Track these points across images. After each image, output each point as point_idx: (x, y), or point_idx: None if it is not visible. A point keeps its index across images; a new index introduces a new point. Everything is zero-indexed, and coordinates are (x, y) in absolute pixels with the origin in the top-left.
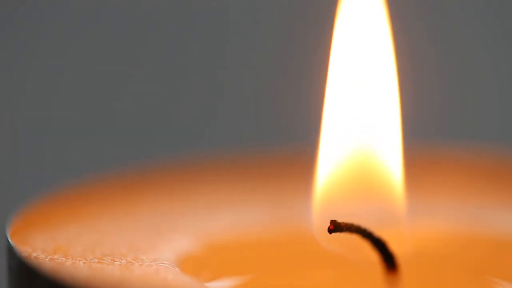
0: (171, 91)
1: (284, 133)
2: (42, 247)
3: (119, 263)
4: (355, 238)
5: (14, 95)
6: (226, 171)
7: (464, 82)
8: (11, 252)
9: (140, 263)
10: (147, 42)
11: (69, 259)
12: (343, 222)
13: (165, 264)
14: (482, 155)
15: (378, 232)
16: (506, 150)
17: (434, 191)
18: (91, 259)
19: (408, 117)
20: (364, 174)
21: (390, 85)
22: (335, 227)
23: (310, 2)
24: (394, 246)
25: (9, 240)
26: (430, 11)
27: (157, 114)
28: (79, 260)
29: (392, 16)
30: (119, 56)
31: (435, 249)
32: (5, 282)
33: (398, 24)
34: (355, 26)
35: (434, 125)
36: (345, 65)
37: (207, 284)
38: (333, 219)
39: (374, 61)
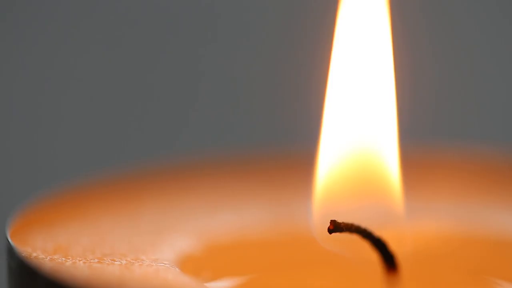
0: (171, 91)
1: (284, 133)
2: (42, 247)
3: (119, 263)
4: (355, 238)
5: (14, 94)
6: (226, 172)
7: (463, 83)
8: (11, 252)
9: (140, 263)
10: (147, 41)
11: (69, 259)
12: (343, 222)
13: (165, 264)
14: (481, 155)
15: (378, 232)
16: (506, 150)
17: (434, 191)
18: (91, 259)
19: (407, 117)
20: (364, 175)
21: (389, 86)
22: (335, 227)
23: (312, 1)
24: (394, 246)
25: (9, 240)
26: (430, 12)
27: (157, 114)
28: (79, 260)
29: (391, 17)
30: (120, 56)
31: (435, 249)
32: (5, 282)
33: (397, 25)
34: (356, 26)
35: (433, 125)
36: (345, 65)
37: (207, 284)
38: (333, 219)
39: (374, 62)
